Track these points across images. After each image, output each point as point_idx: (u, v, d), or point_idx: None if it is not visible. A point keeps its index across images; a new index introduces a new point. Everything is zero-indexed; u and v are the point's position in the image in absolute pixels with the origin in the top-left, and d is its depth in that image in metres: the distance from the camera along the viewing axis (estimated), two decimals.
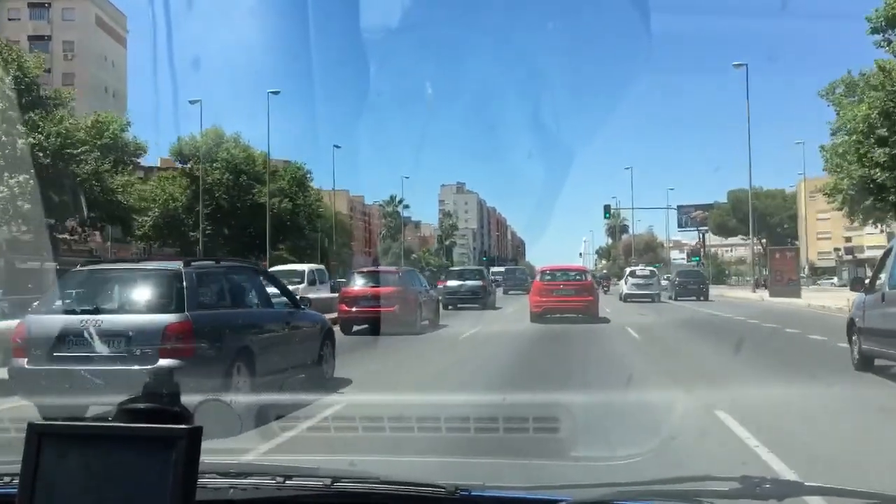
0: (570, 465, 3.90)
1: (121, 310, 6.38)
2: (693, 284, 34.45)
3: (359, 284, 16.01)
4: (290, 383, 7.64)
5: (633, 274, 33.38)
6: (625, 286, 32.69)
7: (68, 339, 6.23)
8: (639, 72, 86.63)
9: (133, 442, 1.09)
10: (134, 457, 1.08)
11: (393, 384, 8.56)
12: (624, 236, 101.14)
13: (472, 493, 1.56)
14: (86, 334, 6.17)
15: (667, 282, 38.43)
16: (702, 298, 32.46)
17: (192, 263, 6.93)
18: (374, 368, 10.02)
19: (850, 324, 9.76)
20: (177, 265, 6.72)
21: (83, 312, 6.29)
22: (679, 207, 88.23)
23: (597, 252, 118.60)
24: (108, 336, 6.18)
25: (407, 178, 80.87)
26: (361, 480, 1.63)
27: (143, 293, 6.51)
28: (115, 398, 4.63)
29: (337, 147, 66.59)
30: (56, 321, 6.31)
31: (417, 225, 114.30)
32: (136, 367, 6.01)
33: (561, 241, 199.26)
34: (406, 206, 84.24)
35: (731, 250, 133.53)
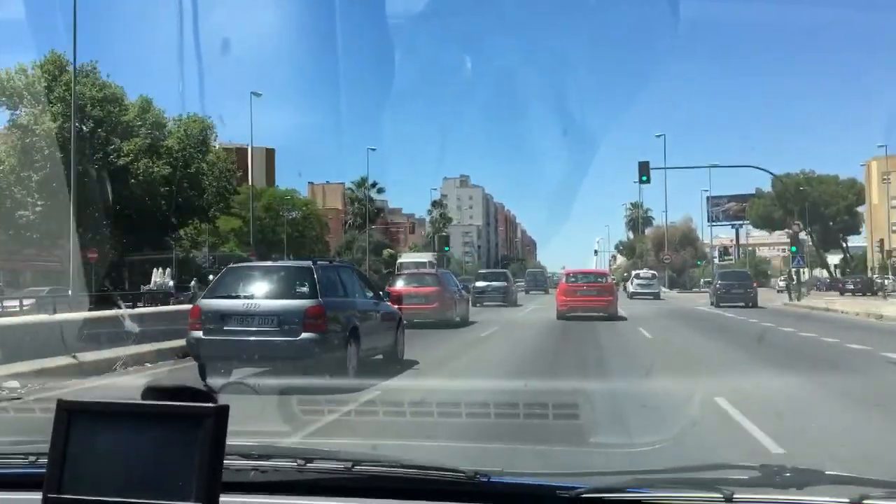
0: (589, 452, 4.23)
1: (271, 296, 9.26)
2: (738, 289, 31.03)
3: (401, 285, 19.29)
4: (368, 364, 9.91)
5: (637, 276, 44.30)
6: (631, 286, 42.49)
7: (233, 317, 9.14)
8: (665, 59, 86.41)
9: (161, 420, 1.15)
10: (161, 434, 1.14)
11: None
12: (648, 230, 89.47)
13: (492, 479, 1.65)
14: (247, 314, 9.05)
15: (708, 286, 36.46)
16: (749, 305, 29.54)
17: (318, 262, 9.87)
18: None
19: None
20: (308, 263, 9.68)
21: (244, 298, 9.16)
22: (710, 199, 79.25)
23: (616, 248, 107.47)
24: (264, 315, 9.08)
25: (373, 149, 65.95)
26: (381, 464, 1.74)
27: (287, 284, 9.40)
28: (269, 361, 8.00)
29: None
30: (224, 304, 9.23)
31: (411, 222, 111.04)
32: (285, 339, 8.90)
33: (574, 241, 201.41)
34: (380, 190, 73.81)
35: (773, 248, 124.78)
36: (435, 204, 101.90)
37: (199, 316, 9.29)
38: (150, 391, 1.21)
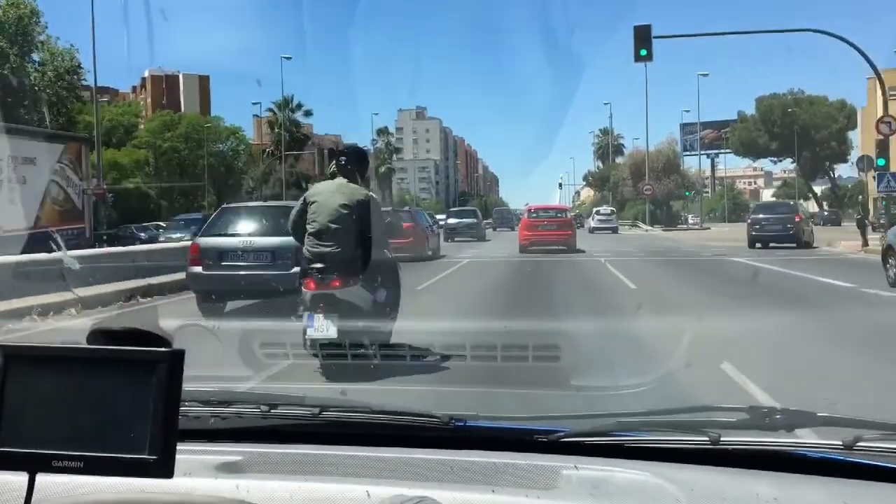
0: (572, 395, 4.20)
1: (265, 234, 10.49)
2: (778, 224, 25.95)
3: None
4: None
5: (598, 213, 50.36)
6: (591, 222, 47.90)
7: (230, 253, 10.37)
8: None
9: (110, 366, 1.09)
10: (111, 382, 1.08)
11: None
12: (624, 156, 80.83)
13: (468, 424, 1.65)
14: (243, 251, 10.29)
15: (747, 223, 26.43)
16: (800, 244, 25.22)
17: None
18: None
19: (886, 251, 13.14)
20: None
21: (240, 236, 10.39)
22: (682, 127, 73.25)
23: (585, 179, 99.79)
24: (258, 252, 10.33)
25: (288, 58, 57.78)
26: (350, 409, 1.75)
27: (278, 223, 10.62)
28: (263, 294, 9.08)
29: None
30: (221, 241, 10.48)
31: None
32: (279, 273, 10.18)
33: (538, 176, 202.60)
34: (308, 113, 67.16)
35: (751, 182, 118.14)
36: (380, 132, 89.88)
37: (197, 253, 10.50)
38: (97, 335, 1.14)
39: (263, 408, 1.70)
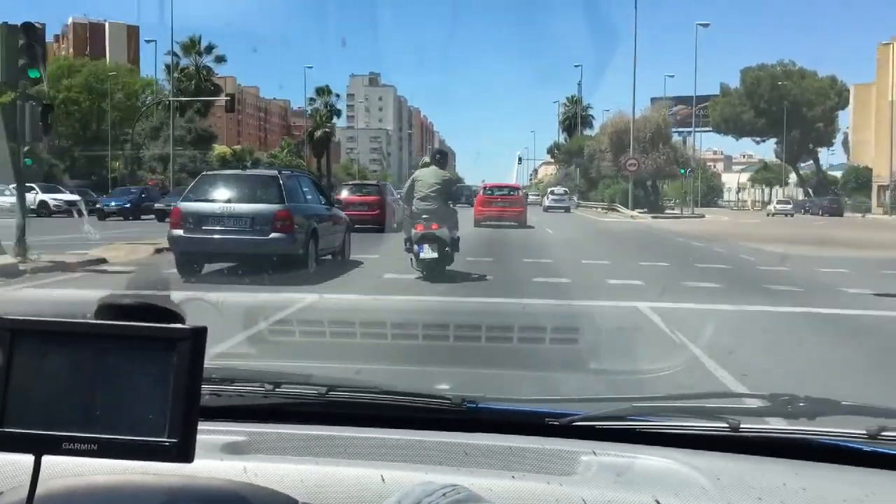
0: (588, 378, 4.19)
1: (244, 201, 11.44)
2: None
3: (346, 194, 23.54)
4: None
5: (552, 192, 53.26)
6: (546, 201, 51.01)
7: (211, 218, 11.30)
8: None
9: (126, 343, 1.06)
10: (127, 360, 1.05)
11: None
12: (605, 122, 65.86)
13: (480, 405, 1.65)
14: (223, 216, 11.23)
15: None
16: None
17: (282, 171, 12.08)
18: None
19: None
20: (274, 172, 11.91)
21: (220, 202, 11.31)
22: (652, 101, 62.78)
23: (550, 152, 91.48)
24: (238, 217, 11.31)
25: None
26: (359, 389, 1.75)
27: (256, 190, 11.58)
28: (242, 257, 10.20)
29: None
30: (202, 206, 11.42)
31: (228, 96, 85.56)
32: (257, 237, 11.16)
33: (497, 151, 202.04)
34: (220, 59, 60.14)
35: (713, 166, 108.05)
36: (320, 91, 79.12)
37: (179, 217, 11.40)
38: (105, 309, 1.09)
39: (268, 386, 1.70)
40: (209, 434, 1.26)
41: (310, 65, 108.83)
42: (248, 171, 14.05)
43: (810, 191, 69.81)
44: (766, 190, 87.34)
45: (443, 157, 12.16)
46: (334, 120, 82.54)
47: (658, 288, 10.50)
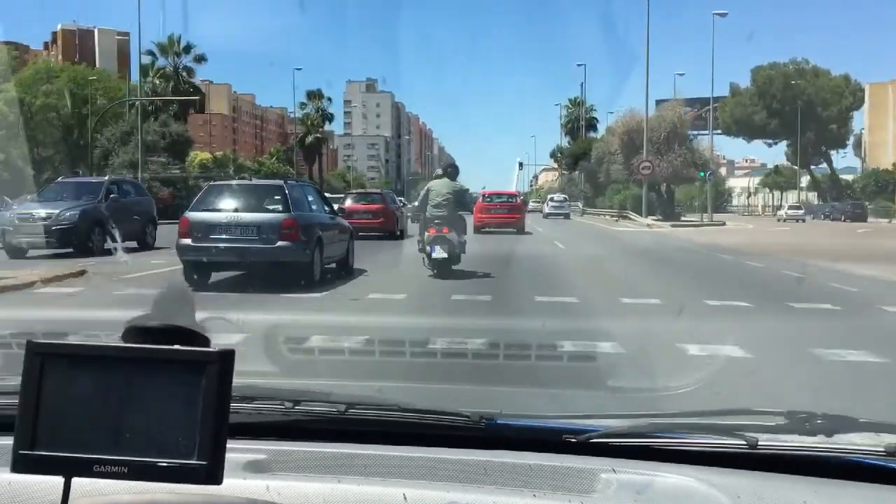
0: (606, 396, 4.30)
1: (251, 210, 11.76)
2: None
3: (350, 203, 24.82)
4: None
5: (552, 199, 55.83)
6: (546, 208, 53.36)
7: (218, 227, 11.62)
8: None
9: (155, 365, 1.09)
10: (156, 382, 1.08)
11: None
12: (616, 121, 57.98)
13: (498, 422, 1.69)
14: (230, 225, 11.55)
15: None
16: None
17: (288, 181, 12.42)
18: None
19: None
20: (280, 182, 12.24)
21: (228, 212, 11.64)
22: (658, 103, 57.62)
23: (554, 156, 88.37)
24: (245, 226, 11.63)
25: None
26: (378, 407, 1.77)
27: (263, 200, 11.91)
28: (249, 265, 10.70)
29: None
30: (210, 216, 11.75)
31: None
32: (264, 246, 11.48)
33: (497, 157, 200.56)
34: (200, 59, 57.80)
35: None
36: (311, 95, 76.60)
37: (187, 226, 11.71)
38: (132, 332, 1.13)
39: (287, 404, 1.73)
40: (231, 452, 1.25)
41: (299, 66, 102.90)
42: (255, 182, 14.49)
43: (825, 195, 67.94)
44: (777, 194, 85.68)
45: (454, 170, 13.76)
46: (327, 125, 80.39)
47: (789, 374, 6.35)
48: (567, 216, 50.24)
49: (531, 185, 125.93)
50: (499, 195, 31.29)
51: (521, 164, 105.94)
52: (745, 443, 1.58)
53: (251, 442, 1.62)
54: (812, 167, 70.83)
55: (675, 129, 48.83)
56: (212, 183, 13.48)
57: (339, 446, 1.61)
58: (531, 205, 59.52)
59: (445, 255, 12.50)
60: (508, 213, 28.93)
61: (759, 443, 1.57)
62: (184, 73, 57.02)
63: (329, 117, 78.97)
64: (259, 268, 11.81)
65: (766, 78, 61.87)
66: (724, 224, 45.37)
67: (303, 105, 76.52)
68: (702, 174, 50.13)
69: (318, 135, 75.72)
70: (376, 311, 9.53)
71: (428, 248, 12.62)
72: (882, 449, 1.54)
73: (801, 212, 57.57)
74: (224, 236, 11.68)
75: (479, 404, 1.78)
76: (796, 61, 63.86)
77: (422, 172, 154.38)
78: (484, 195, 31.11)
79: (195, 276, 11.69)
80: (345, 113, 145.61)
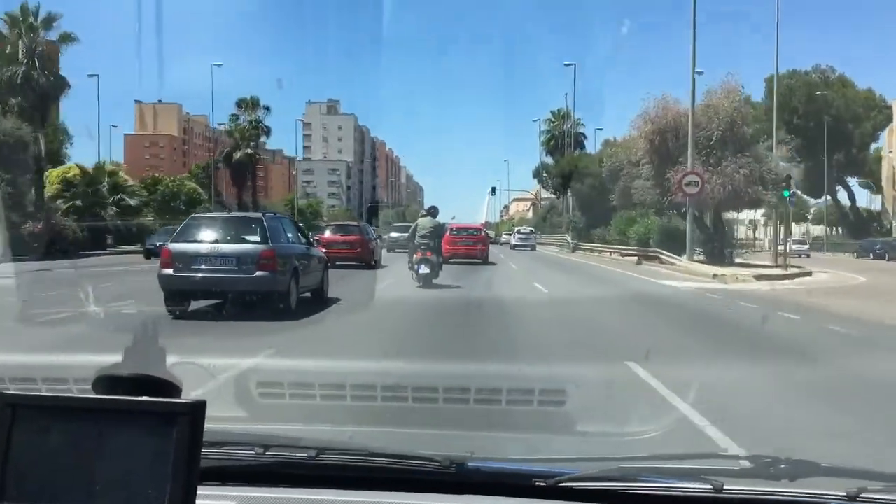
0: (576, 440, 4.41)
1: (230, 241, 12.60)
2: None
3: (329, 234, 27.76)
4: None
5: (518, 231, 59.45)
6: (513, 240, 56.35)
7: (199, 258, 12.46)
8: None
9: (125, 417, 1.10)
10: (127, 433, 1.10)
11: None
12: (638, 116, 37.84)
13: (468, 465, 1.74)
14: (211, 256, 12.38)
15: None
16: None
17: (266, 214, 13.30)
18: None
19: None
20: (258, 215, 13.11)
21: (208, 243, 12.46)
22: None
23: (536, 176, 76.68)
24: (225, 257, 12.48)
25: None
26: (349, 452, 1.81)
27: (242, 232, 12.75)
28: (228, 294, 11.89)
29: None
30: (190, 247, 12.63)
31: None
32: (243, 276, 12.32)
33: (468, 184, 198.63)
34: (68, 39, 42.96)
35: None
36: (242, 105, 67.21)
37: (169, 257, 12.51)
38: (103, 381, 1.16)
39: (258, 449, 1.77)
40: (201, 499, 1.26)
41: (218, 62, 79.80)
42: (234, 214, 15.44)
43: (839, 227, 61.12)
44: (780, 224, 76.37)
45: (435, 210, 19.74)
46: (262, 139, 70.64)
47: None
48: (533, 248, 53.98)
49: (501, 215, 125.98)
50: (466, 229, 35.12)
51: (493, 190, 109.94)
52: (710, 486, 1.65)
53: (221, 488, 1.67)
54: (826, 196, 60.85)
55: (732, 127, 32.61)
56: (193, 215, 14.53)
57: (310, 492, 1.67)
58: (503, 236, 66.15)
59: (429, 271, 17.96)
60: (472, 244, 32.75)
61: (725, 487, 1.64)
62: (42, 48, 42.53)
63: (266, 131, 69.44)
64: (238, 296, 12.63)
65: (786, 88, 50.32)
66: (809, 273, 29.20)
67: (234, 117, 67.73)
68: (785, 193, 32.03)
69: (249, 150, 66.12)
70: (348, 350, 9.67)
71: (416, 266, 18.07)
72: (843, 493, 1.61)
73: (805, 247, 50.57)
74: (204, 266, 12.52)
75: (451, 449, 1.88)
76: (821, 69, 54.59)
77: (387, 201, 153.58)
78: (451, 228, 33.22)
79: (175, 304, 12.50)
80: (304, 136, 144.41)
